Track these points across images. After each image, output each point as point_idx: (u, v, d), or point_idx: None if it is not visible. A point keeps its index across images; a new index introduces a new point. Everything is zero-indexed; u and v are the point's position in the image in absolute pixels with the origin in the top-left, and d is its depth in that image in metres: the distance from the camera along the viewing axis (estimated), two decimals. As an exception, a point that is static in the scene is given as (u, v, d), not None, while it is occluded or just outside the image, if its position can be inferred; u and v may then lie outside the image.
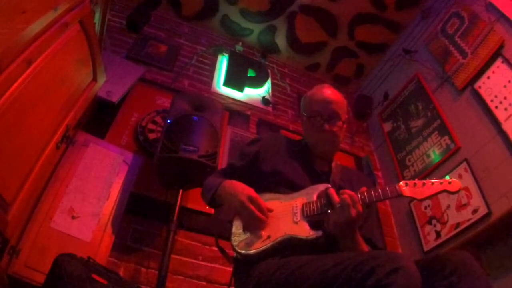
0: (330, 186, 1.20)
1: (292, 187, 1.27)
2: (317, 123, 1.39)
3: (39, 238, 1.70)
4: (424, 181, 1.08)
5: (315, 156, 1.43)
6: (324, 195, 1.15)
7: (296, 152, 1.43)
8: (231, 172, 1.43)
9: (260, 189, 1.25)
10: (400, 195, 1.07)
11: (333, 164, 1.42)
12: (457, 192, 1.05)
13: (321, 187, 1.22)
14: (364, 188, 1.13)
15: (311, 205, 1.17)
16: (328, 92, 1.44)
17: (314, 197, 1.19)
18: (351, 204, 1.06)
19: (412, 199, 1.08)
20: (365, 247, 1.17)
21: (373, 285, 0.80)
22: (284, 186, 1.28)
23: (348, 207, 1.06)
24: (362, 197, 1.10)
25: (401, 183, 1.09)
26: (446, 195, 2.63)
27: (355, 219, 1.05)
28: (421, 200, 1.07)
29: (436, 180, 1.07)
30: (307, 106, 1.47)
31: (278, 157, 1.39)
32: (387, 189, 1.09)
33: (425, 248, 2.44)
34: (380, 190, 1.10)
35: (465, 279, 0.89)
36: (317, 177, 1.34)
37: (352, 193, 1.09)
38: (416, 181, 1.08)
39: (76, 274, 1.29)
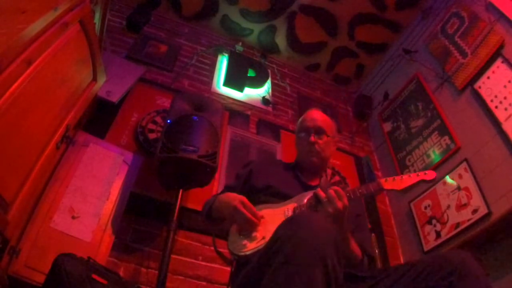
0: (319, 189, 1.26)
1: (284, 198, 1.34)
2: (306, 136, 1.53)
3: (39, 238, 1.70)
4: (402, 176, 1.20)
5: (306, 172, 1.54)
6: (313, 196, 1.24)
7: (288, 170, 1.55)
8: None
9: (254, 204, 1.31)
10: (381, 189, 1.20)
11: (322, 179, 1.51)
12: (433, 179, 1.18)
13: (311, 193, 1.29)
14: (350, 188, 1.24)
15: (302, 207, 1.25)
16: (316, 113, 1.61)
17: (304, 201, 1.28)
18: (336, 197, 1.14)
19: (394, 191, 1.19)
20: (355, 245, 1.26)
21: (279, 261, 0.85)
22: (276, 197, 1.36)
23: (334, 200, 1.14)
24: (348, 194, 1.19)
25: (382, 179, 1.22)
26: (445, 194, 2.63)
27: (342, 210, 1.13)
28: (401, 191, 1.19)
29: (413, 173, 1.21)
30: (299, 126, 1.62)
31: (270, 174, 1.50)
32: (370, 185, 1.22)
33: (425, 248, 2.44)
34: (363, 186, 1.22)
35: (465, 279, 0.89)
36: (308, 189, 1.40)
37: (337, 187, 1.17)
38: (394, 177, 1.21)
39: (76, 274, 1.29)
